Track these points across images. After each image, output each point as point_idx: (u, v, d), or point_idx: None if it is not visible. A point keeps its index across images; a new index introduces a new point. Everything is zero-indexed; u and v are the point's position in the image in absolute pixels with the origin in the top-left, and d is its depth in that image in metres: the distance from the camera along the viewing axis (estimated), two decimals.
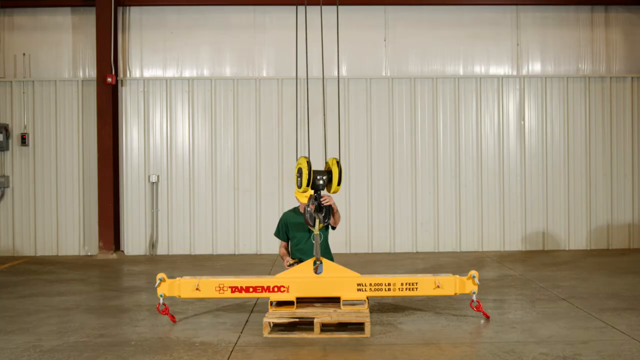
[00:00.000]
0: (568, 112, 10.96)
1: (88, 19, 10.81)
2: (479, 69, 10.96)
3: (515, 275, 8.47)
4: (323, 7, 6.44)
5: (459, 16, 10.97)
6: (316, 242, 5.77)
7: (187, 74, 10.91)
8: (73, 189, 10.85)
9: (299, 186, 5.71)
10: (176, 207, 10.80)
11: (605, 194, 10.92)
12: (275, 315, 5.57)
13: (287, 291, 5.67)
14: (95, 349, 5.21)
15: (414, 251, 10.77)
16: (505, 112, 10.92)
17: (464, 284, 5.81)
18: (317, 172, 5.74)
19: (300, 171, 5.69)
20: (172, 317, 5.95)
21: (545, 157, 10.90)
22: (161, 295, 5.75)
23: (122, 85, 10.82)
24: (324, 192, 5.84)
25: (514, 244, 10.87)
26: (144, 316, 6.36)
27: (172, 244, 10.75)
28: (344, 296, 5.68)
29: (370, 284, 5.69)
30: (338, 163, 5.73)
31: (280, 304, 5.82)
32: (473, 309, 5.91)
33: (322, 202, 5.80)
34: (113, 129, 10.65)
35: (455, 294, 5.82)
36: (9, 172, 10.83)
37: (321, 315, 5.52)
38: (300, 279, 5.69)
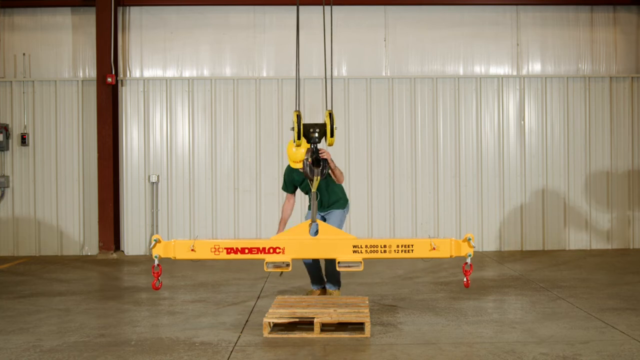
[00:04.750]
0: (568, 112, 10.96)
1: (88, 19, 10.82)
2: (479, 69, 10.97)
3: (515, 275, 8.47)
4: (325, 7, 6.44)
5: (459, 16, 10.97)
6: (313, 200, 5.76)
7: (187, 74, 10.91)
8: (73, 189, 10.85)
9: (294, 139, 5.74)
10: (176, 207, 10.80)
11: (605, 194, 10.92)
12: (275, 315, 5.57)
13: (283, 252, 5.58)
14: (95, 349, 5.21)
15: None
16: (505, 112, 10.93)
17: (459, 247, 5.68)
18: (309, 125, 5.75)
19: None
20: (160, 283, 5.71)
21: (545, 157, 10.90)
22: (156, 257, 5.60)
23: (122, 85, 10.82)
24: (320, 146, 5.82)
25: (514, 244, 10.87)
26: (144, 316, 6.36)
27: None
28: (340, 257, 5.58)
29: (366, 246, 5.60)
30: (330, 115, 5.72)
31: (282, 304, 5.82)
32: (463, 271, 5.67)
33: (319, 155, 5.80)
34: (113, 129, 10.66)
35: (451, 256, 5.64)
36: (9, 172, 10.83)
37: (321, 315, 5.52)
38: (295, 241, 5.63)
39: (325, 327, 5.59)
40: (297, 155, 6.37)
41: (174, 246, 5.63)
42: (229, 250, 5.62)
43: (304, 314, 5.56)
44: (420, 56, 10.95)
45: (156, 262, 5.56)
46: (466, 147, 10.87)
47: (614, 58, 11.05)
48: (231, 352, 5.09)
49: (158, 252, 5.58)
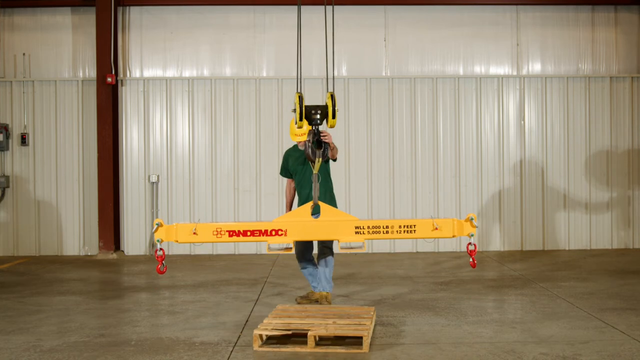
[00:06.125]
0: (568, 112, 10.96)
1: (88, 19, 10.82)
2: (479, 69, 10.97)
3: (515, 275, 8.47)
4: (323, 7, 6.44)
5: (459, 16, 10.97)
6: (314, 182, 5.74)
7: (187, 74, 10.91)
8: (73, 189, 10.85)
9: (296, 121, 5.71)
10: (176, 207, 10.80)
11: (605, 194, 10.92)
12: (269, 327, 5.26)
13: (285, 235, 5.49)
14: (95, 349, 5.21)
15: (414, 251, 10.77)
16: (505, 112, 10.93)
17: (462, 227, 5.59)
18: (311, 107, 5.71)
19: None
20: (165, 267, 5.58)
21: (545, 157, 10.90)
22: (158, 241, 5.50)
23: (122, 85, 10.82)
24: (322, 128, 5.77)
25: (514, 244, 10.87)
26: (144, 316, 6.36)
27: (172, 244, 10.69)
28: (342, 239, 5.51)
29: (368, 227, 5.51)
30: (332, 96, 5.70)
31: (279, 314, 5.67)
32: (468, 252, 5.57)
33: (321, 138, 5.75)
34: (113, 129, 10.66)
35: (453, 236, 5.55)
36: (9, 172, 10.83)
37: (317, 327, 5.18)
38: (298, 223, 5.55)
39: (322, 341, 5.26)
40: (300, 129, 6.32)
41: (176, 230, 5.53)
42: (231, 233, 5.51)
43: (298, 326, 5.25)
44: (420, 56, 10.95)
45: (159, 246, 5.47)
46: (466, 147, 10.87)
47: (614, 58, 11.05)
48: (231, 352, 5.08)
49: (160, 236, 5.48)
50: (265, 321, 5.44)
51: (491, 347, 5.15)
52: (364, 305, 6.76)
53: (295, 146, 6.79)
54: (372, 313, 5.65)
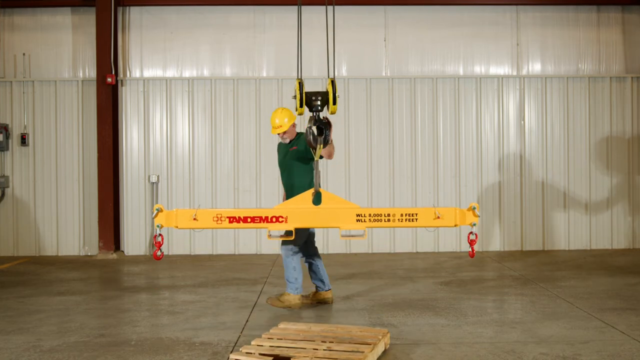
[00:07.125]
0: (568, 112, 10.96)
1: (88, 19, 10.82)
2: (479, 69, 10.97)
3: (515, 275, 8.47)
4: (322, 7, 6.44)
5: (459, 16, 10.97)
6: (315, 170, 5.69)
7: (187, 74, 10.91)
8: (73, 189, 10.85)
9: (296, 108, 5.67)
10: (176, 207, 10.79)
11: (606, 194, 10.92)
12: (252, 350, 4.83)
13: (286, 221, 5.46)
14: (95, 349, 5.21)
15: (414, 251, 10.77)
16: (505, 112, 10.93)
17: (464, 216, 5.54)
18: (312, 93, 5.68)
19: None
20: (162, 253, 5.59)
21: (545, 157, 10.90)
22: (158, 226, 5.50)
23: (122, 85, 10.82)
24: (322, 114, 5.73)
25: (514, 244, 10.87)
26: (144, 316, 6.36)
27: (172, 244, 10.75)
28: (343, 227, 5.46)
29: (370, 215, 5.45)
30: (332, 82, 5.67)
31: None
32: (468, 241, 5.53)
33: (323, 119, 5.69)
34: (113, 129, 10.66)
35: (455, 225, 5.53)
36: (9, 172, 10.83)
37: (303, 354, 4.69)
38: (298, 210, 5.51)
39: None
40: (276, 121, 6.47)
41: (177, 215, 5.52)
42: (232, 219, 5.48)
43: (283, 352, 4.76)
44: (420, 56, 10.95)
45: (158, 231, 5.46)
46: (466, 147, 10.87)
47: (614, 58, 11.05)
48: (231, 352, 5.08)
49: (160, 221, 5.48)
50: (253, 342, 5.02)
51: (491, 347, 5.15)
52: (368, 307, 6.76)
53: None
54: (380, 337, 5.06)
